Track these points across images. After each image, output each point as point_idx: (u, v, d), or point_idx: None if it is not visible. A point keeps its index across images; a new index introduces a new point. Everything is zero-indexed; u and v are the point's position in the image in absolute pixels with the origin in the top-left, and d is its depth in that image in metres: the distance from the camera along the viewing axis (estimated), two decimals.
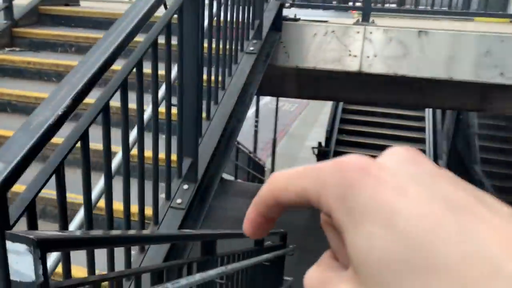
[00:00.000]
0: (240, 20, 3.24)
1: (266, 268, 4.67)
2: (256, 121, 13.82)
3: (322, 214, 0.29)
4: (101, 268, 2.04)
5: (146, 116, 2.36)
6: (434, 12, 4.76)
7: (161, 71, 2.45)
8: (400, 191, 0.25)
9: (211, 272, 2.37)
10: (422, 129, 10.76)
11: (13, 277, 1.10)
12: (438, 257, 0.23)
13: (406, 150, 0.28)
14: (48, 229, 2.61)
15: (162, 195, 2.62)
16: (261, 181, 12.56)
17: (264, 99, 20.00)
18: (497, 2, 5.08)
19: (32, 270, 1.08)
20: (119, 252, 2.11)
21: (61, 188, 1.54)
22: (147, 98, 2.47)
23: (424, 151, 10.26)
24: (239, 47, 3.30)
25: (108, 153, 1.79)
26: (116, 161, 2.22)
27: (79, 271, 2.17)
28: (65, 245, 1.37)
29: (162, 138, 2.52)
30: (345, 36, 4.25)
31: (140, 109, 2.00)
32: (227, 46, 3.04)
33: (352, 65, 4.27)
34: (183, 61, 2.32)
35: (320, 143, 10.25)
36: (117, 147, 2.26)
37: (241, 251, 3.51)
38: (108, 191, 1.85)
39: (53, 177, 1.51)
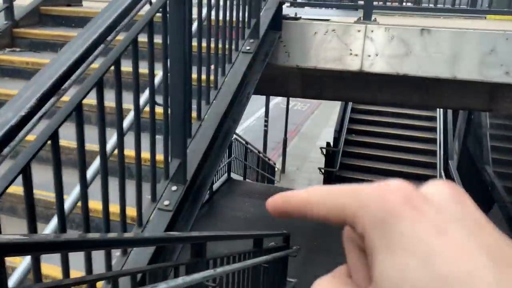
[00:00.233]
0: (234, 18, 3.19)
1: (267, 270, 4.62)
2: (266, 121, 13.78)
3: (348, 230, 0.30)
4: (82, 270, 2.01)
5: (132, 115, 2.33)
6: (438, 9, 4.66)
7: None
8: (442, 230, 0.25)
9: (197, 276, 2.32)
10: (433, 129, 10.60)
11: None
12: None
13: (451, 187, 0.28)
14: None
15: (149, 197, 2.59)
16: (270, 181, 12.50)
17: (275, 99, 19.96)
18: None
19: None
20: (100, 254, 2.08)
21: (28, 188, 1.51)
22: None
23: (435, 152, 10.13)
24: (233, 46, 3.25)
25: (82, 153, 1.76)
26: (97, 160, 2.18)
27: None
28: (26, 250, 1.34)
29: (145, 137, 2.50)
30: (345, 35, 4.17)
31: (119, 108, 1.96)
32: (219, 45, 2.99)
33: (353, 64, 4.20)
34: (167, 60, 2.28)
35: (328, 143, 10.16)
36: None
37: (237, 253, 3.46)
38: (83, 192, 1.81)
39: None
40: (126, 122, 2.33)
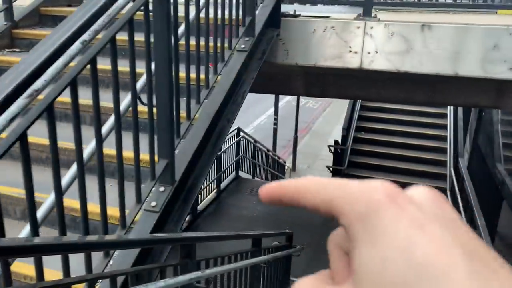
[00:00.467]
0: (227, 16, 3.15)
1: (268, 269, 4.57)
2: (275, 119, 13.72)
3: (333, 236, 0.32)
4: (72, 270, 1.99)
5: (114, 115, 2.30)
6: (440, 5, 4.56)
7: (139, 69, 2.40)
8: (421, 225, 0.26)
9: (182, 278, 2.29)
10: (444, 127, 10.44)
11: None
12: None
13: (432, 192, 0.30)
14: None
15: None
16: (280, 179, 12.43)
17: (286, 97, 19.88)
18: None
19: None
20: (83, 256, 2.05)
21: None
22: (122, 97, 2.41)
23: (445, 149, 9.98)
24: (226, 45, 3.20)
25: (55, 152, 1.73)
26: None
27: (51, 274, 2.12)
28: None
29: (141, 137, 2.47)
30: (345, 32, 4.10)
31: (97, 107, 1.93)
32: (210, 44, 2.94)
33: (352, 62, 4.13)
34: (150, 58, 2.25)
35: (336, 141, 10.06)
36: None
37: (232, 253, 3.42)
38: (58, 192, 1.78)
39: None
40: (111, 121, 2.31)
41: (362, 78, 5.19)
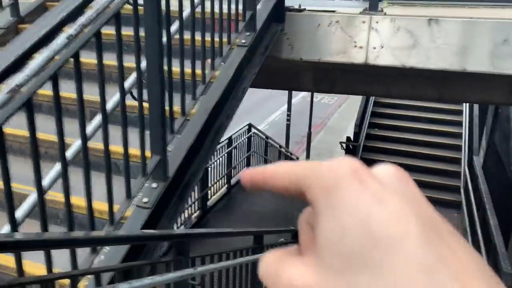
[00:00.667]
0: (225, 11, 3.10)
1: None
2: (288, 115, 13.65)
3: (304, 213, 0.33)
4: (61, 266, 1.98)
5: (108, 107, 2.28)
6: None
7: (132, 64, 2.38)
8: (382, 200, 0.27)
9: (172, 275, 2.26)
10: (459, 124, 10.26)
11: None
12: (394, 262, 0.25)
13: (396, 169, 0.31)
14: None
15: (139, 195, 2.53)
16: None
17: (301, 93, 19.75)
18: None
19: None
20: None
21: None
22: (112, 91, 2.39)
23: (460, 147, 9.81)
24: (224, 39, 3.16)
25: (34, 146, 1.71)
26: (69, 152, 2.15)
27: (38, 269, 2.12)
28: None
29: (133, 132, 2.45)
30: (350, 26, 4.03)
31: (80, 101, 1.90)
32: (207, 38, 2.91)
33: (357, 57, 4.05)
34: (139, 53, 2.22)
35: (349, 138, 9.95)
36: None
37: (230, 250, 3.39)
38: (38, 187, 1.77)
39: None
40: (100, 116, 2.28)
41: (370, 74, 5.11)
